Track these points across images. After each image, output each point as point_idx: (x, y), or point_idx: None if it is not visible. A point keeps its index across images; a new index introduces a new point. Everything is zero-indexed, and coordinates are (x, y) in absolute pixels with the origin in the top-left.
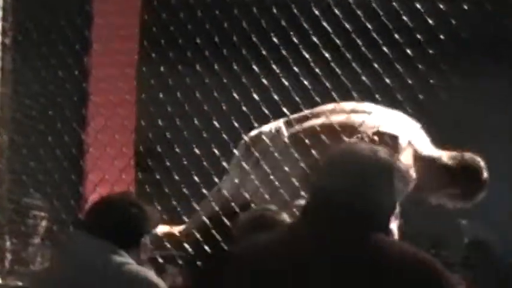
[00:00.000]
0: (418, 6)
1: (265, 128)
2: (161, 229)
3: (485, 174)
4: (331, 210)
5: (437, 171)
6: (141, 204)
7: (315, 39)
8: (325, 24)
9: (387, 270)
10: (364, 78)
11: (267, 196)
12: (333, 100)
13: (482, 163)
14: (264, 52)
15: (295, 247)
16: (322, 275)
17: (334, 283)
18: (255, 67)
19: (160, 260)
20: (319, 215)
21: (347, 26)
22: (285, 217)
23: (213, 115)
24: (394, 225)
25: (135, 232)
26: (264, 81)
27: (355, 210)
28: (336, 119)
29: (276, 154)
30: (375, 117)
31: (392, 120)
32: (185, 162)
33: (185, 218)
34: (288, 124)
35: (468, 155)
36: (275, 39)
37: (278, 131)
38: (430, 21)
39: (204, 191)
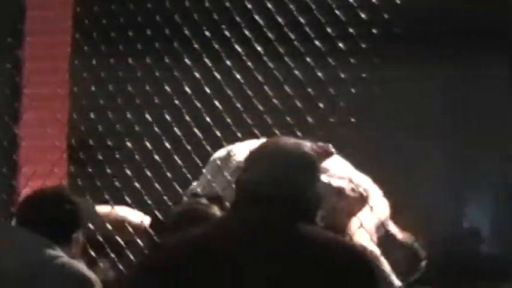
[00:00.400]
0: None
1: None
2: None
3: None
4: (260, 203)
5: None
6: (74, 199)
7: (247, 32)
8: (257, 17)
9: (320, 261)
10: (296, 72)
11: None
12: (265, 94)
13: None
14: (195, 45)
15: (226, 241)
16: (255, 268)
17: (267, 276)
18: (187, 60)
19: (93, 254)
20: (249, 208)
21: (279, 19)
22: (217, 211)
23: (145, 108)
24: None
25: (67, 227)
26: (196, 74)
27: (283, 202)
28: None
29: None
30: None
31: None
32: (117, 156)
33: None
34: None
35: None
36: (207, 33)
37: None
38: (363, 15)
39: (136, 184)
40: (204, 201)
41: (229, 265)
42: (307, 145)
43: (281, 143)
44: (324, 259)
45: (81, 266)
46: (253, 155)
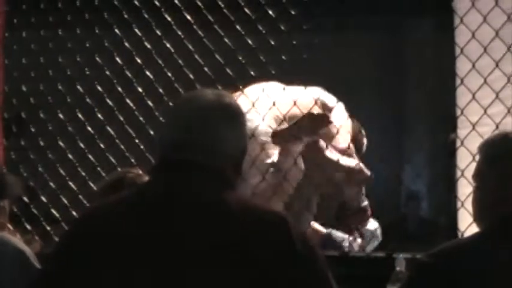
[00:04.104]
0: None
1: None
2: None
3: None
4: (177, 166)
5: None
6: (1, 170)
7: (176, 1)
8: None
9: (244, 228)
10: (226, 40)
11: None
12: (196, 63)
13: None
14: (125, 15)
15: (143, 208)
16: (173, 235)
17: (186, 245)
18: (117, 31)
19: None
20: (167, 172)
21: None
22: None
23: (76, 80)
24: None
25: None
26: (127, 44)
27: (201, 163)
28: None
29: None
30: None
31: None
32: (50, 128)
33: (52, 184)
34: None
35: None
36: (136, 2)
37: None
38: None
39: (70, 156)
40: (136, 170)
41: (144, 235)
42: (229, 95)
43: (200, 94)
44: (249, 227)
45: (15, 239)
46: (171, 110)
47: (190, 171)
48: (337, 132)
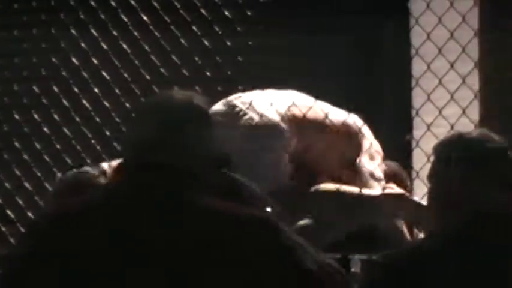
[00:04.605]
0: None
1: None
2: None
3: None
4: (149, 167)
5: None
6: None
7: (133, 2)
8: None
9: (216, 231)
10: (183, 41)
11: None
12: (153, 64)
13: None
14: (82, 16)
15: (115, 211)
16: (141, 241)
17: (156, 251)
18: (73, 31)
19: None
20: (134, 174)
21: None
22: (103, 180)
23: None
24: None
25: None
26: (83, 44)
27: (172, 165)
28: None
29: None
30: None
31: None
32: (5, 128)
33: (7, 184)
34: None
35: None
36: (93, 3)
37: None
38: None
39: (25, 156)
40: (92, 170)
41: (111, 240)
42: (199, 96)
43: (170, 95)
44: (223, 232)
45: None
46: (139, 111)
47: (162, 173)
48: None
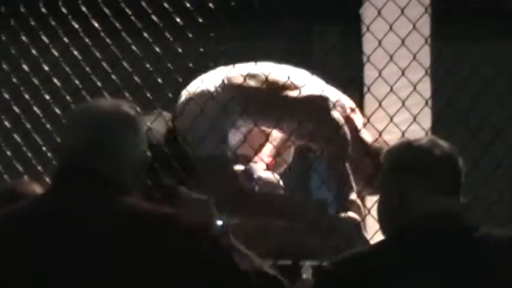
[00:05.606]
0: None
1: None
2: None
3: None
4: (74, 175)
5: None
6: None
7: (84, 9)
8: None
9: (138, 232)
10: (133, 47)
11: None
12: (103, 70)
13: None
14: (32, 22)
15: (39, 219)
16: (68, 249)
17: (82, 258)
18: (23, 38)
19: None
20: (63, 181)
21: None
22: (38, 189)
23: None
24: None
25: None
26: (33, 51)
27: (98, 171)
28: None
29: None
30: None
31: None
32: None
33: None
34: None
35: None
36: (43, 9)
37: None
38: None
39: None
40: (27, 181)
41: (39, 249)
42: (126, 104)
43: (97, 103)
44: (146, 235)
45: None
46: (69, 118)
47: (87, 179)
48: None
